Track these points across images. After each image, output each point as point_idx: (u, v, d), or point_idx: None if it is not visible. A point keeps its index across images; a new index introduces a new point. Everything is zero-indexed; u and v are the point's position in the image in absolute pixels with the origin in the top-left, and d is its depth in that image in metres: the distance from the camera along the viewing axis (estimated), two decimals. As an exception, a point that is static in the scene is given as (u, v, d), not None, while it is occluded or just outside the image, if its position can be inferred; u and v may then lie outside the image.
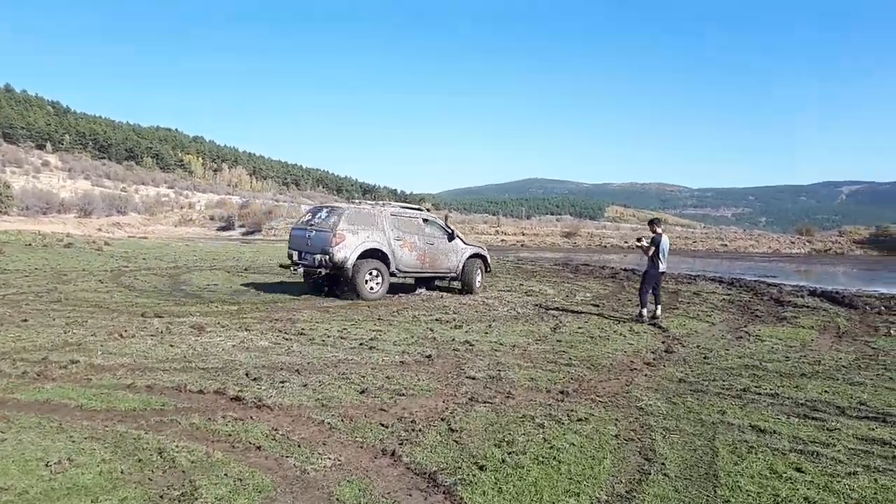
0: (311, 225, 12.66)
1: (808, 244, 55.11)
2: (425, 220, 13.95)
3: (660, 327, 10.40)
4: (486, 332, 9.16)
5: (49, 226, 46.73)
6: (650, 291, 11.23)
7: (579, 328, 9.91)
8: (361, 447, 4.39)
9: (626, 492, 3.79)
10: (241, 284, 14.48)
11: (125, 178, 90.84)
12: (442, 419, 5.04)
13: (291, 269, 12.80)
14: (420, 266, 13.54)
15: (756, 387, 6.49)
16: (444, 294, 13.95)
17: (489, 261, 15.41)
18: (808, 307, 13.63)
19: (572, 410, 5.40)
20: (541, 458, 4.25)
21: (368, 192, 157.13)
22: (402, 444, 4.45)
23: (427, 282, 14.74)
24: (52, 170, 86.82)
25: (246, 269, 18.50)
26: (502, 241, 52.98)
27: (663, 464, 4.23)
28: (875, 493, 3.87)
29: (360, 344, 7.91)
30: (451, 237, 14.17)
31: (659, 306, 11.21)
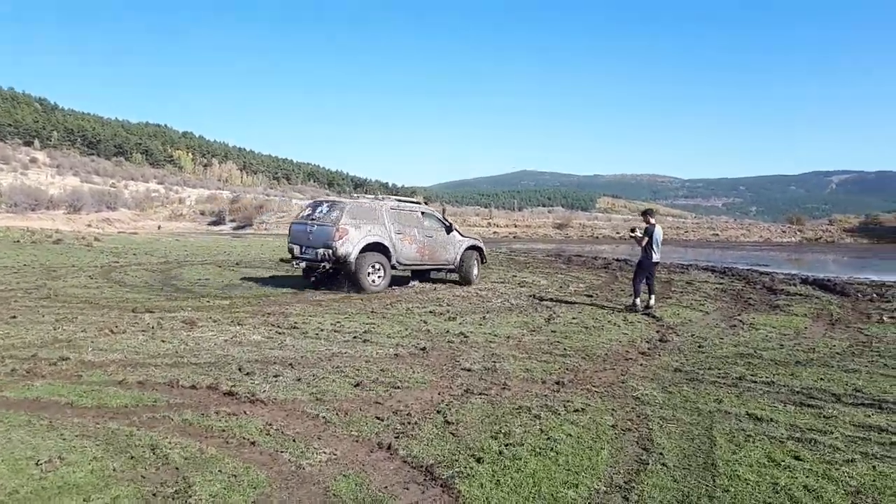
0: (313, 219, 12.64)
1: (798, 233, 55.37)
2: (423, 214, 14.05)
3: (654, 317, 10.39)
4: (481, 324, 9.13)
5: (38, 222, 46.32)
6: (644, 281, 11.22)
7: (573, 318, 9.89)
8: (357, 441, 4.34)
9: (625, 482, 3.76)
10: (233, 279, 14.39)
11: (114, 173, 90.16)
12: (438, 411, 5.00)
13: (294, 263, 12.78)
14: (420, 259, 13.62)
15: (751, 375, 6.48)
16: (438, 286, 13.91)
17: (485, 252, 15.52)
18: (800, 295, 13.67)
19: (568, 401, 5.37)
20: (538, 450, 4.22)
21: (360, 185, 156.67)
22: (398, 437, 4.41)
23: (421, 274, 14.75)
24: (40, 166, 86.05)
25: (237, 264, 18.40)
26: (495, 233, 52.94)
27: (661, 453, 4.20)
28: (874, 481, 3.86)
29: (354, 337, 7.85)
30: (448, 230, 14.29)
31: (652, 296, 11.20)
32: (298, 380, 5.79)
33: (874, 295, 13.63)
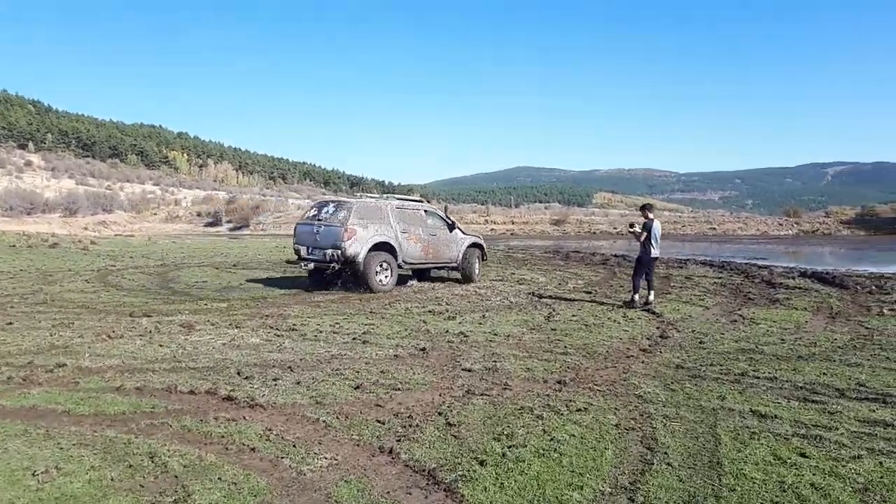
0: (319, 220, 12.62)
1: (795, 226, 55.39)
2: (427, 212, 14.16)
3: (653, 313, 10.36)
4: (480, 323, 9.08)
5: (33, 226, 46.19)
6: (643, 277, 11.19)
7: (573, 316, 9.85)
8: (358, 445, 4.30)
9: (630, 483, 3.72)
10: (231, 281, 14.32)
11: (110, 176, 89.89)
12: (439, 413, 4.95)
13: (302, 264, 12.75)
14: (424, 257, 13.67)
15: (754, 371, 6.45)
16: (436, 285, 13.87)
17: (485, 249, 15.59)
18: (799, 288, 13.64)
19: (571, 400, 5.33)
20: (541, 451, 4.17)
21: (356, 184, 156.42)
22: (399, 440, 4.36)
23: (420, 273, 14.73)
24: (35, 169, 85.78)
25: (235, 265, 18.33)
26: (492, 229, 52.87)
27: (666, 453, 4.16)
28: (881, 477, 3.82)
29: (353, 338, 7.80)
30: (451, 228, 14.36)
31: (652, 292, 11.16)
32: (298, 383, 5.74)
33: (873, 287, 13.60)
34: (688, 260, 21.79)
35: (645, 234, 11.09)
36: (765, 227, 55.59)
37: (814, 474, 3.85)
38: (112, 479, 3.69)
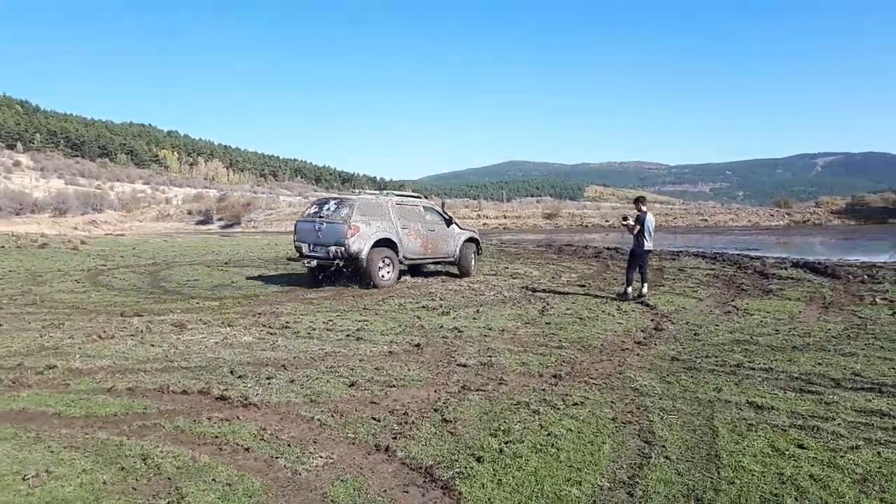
0: (321, 217, 12.63)
1: (786, 216, 55.62)
2: (425, 208, 14.28)
3: (647, 305, 10.35)
4: (475, 318, 9.04)
5: (23, 226, 45.86)
6: (637, 270, 11.18)
7: (567, 309, 9.83)
8: (354, 443, 4.25)
9: (629, 477, 3.69)
10: (223, 279, 14.24)
11: (99, 175, 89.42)
12: (435, 410, 4.91)
13: (305, 262, 12.73)
14: (423, 252, 13.79)
15: (749, 362, 6.44)
16: (430, 280, 13.82)
17: (481, 243, 15.79)
18: (792, 279, 13.67)
19: (567, 395, 5.30)
20: (539, 447, 4.14)
21: (347, 180, 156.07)
22: (395, 438, 4.32)
23: (414, 268, 14.74)
24: (23, 170, 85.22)
25: (226, 263, 18.22)
26: (484, 224, 52.83)
27: (663, 446, 4.14)
28: (880, 467, 3.81)
29: (347, 335, 7.75)
30: (448, 223, 14.50)
31: (645, 284, 11.15)
32: (292, 381, 5.68)
33: (865, 277, 13.65)
34: (680, 252, 21.82)
35: (638, 226, 11.07)
36: (756, 218, 55.80)
37: (812, 465, 3.84)
38: (104, 483, 3.64)
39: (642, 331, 8.20)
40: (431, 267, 15.33)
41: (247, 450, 4.12)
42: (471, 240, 14.99)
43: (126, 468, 3.83)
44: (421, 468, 3.84)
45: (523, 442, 4.22)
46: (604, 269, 16.31)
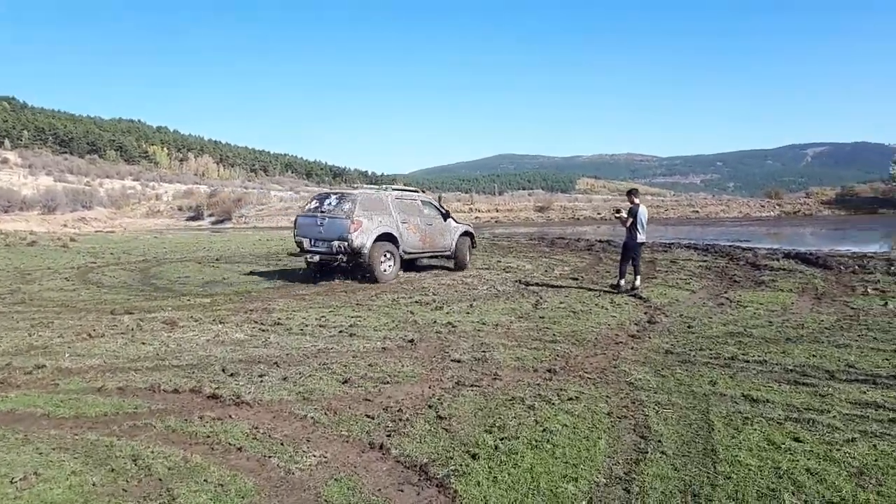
0: (322, 212, 12.65)
1: (777, 207, 55.79)
2: (423, 202, 14.39)
3: (640, 297, 10.34)
4: (468, 312, 9.00)
5: (11, 224, 45.44)
6: (630, 262, 11.16)
7: (561, 303, 9.80)
8: (348, 441, 4.21)
9: (625, 473, 3.66)
10: (214, 275, 14.15)
11: (89, 171, 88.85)
12: (429, 406, 4.87)
13: (308, 257, 12.74)
14: (422, 246, 13.86)
15: (743, 354, 6.43)
16: (423, 274, 13.78)
17: (475, 237, 15.94)
18: (784, 270, 13.70)
19: (562, 389, 5.27)
20: (534, 443, 4.11)
21: (338, 175, 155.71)
22: (389, 435, 4.28)
23: (408, 263, 14.73)
24: (11, 167, 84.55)
25: (218, 260, 18.13)
26: (476, 217, 52.77)
27: (660, 441, 4.12)
28: (876, 460, 3.79)
29: (340, 331, 7.70)
30: (445, 217, 14.62)
31: (638, 277, 11.13)
32: (284, 379, 5.63)
33: (856, 267, 13.68)
34: (672, 244, 21.83)
35: (631, 219, 11.06)
36: (747, 209, 55.96)
37: (808, 459, 3.82)
38: (94, 485, 3.58)
39: (636, 324, 8.18)
40: (425, 261, 15.33)
41: (239, 449, 4.08)
42: (466, 234, 15.08)
43: (116, 469, 3.77)
44: (416, 466, 3.80)
45: (518, 438, 4.19)
46: (596, 262, 16.30)
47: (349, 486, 3.56)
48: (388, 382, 5.53)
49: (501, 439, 4.17)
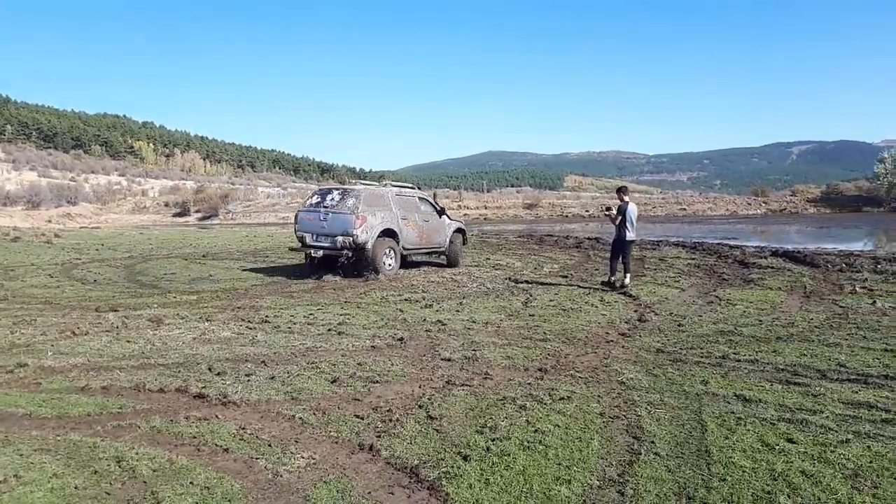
0: (325, 208, 12.68)
1: (763, 205, 56.16)
2: (420, 199, 14.58)
3: (630, 295, 10.32)
4: (458, 310, 8.94)
5: (-5, 219, 44.91)
6: (620, 259, 11.15)
7: (551, 301, 9.76)
8: (337, 442, 4.14)
9: (619, 475, 3.61)
10: (200, 272, 14.01)
11: (73, 167, 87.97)
12: (419, 406, 4.81)
13: (312, 252, 12.71)
14: (419, 243, 14.01)
15: (734, 353, 6.41)
16: (412, 271, 13.70)
17: (467, 234, 16.20)
18: (772, 268, 13.74)
19: (553, 389, 5.22)
20: (526, 444, 4.05)
21: (327, 171, 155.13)
22: (379, 436, 4.21)
23: (403, 258, 14.77)
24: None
25: (204, 256, 17.96)
26: (465, 214, 52.71)
27: (653, 442, 4.07)
28: (870, 462, 3.76)
29: (329, 329, 7.61)
30: (440, 214, 14.77)
31: (628, 274, 11.12)
32: (272, 378, 5.55)
33: (843, 265, 13.75)
34: (660, 241, 21.88)
35: (620, 217, 11.04)
36: (734, 206, 56.28)
37: (803, 461, 3.79)
38: (76, 488, 3.49)
39: (626, 322, 8.15)
40: (415, 258, 15.30)
41: (226, 450, 3.99)
42: (458, 230, 15.23)
43: (99, 472, 3.68)
44: (406, 468, 3.73)
45: (510, 439, 4.13)
46: (585, 260, 16.29)
47: (338, 488, 3.49)
48: (377, 382, 5.46)
49: (493, 440, 4.11)
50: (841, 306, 9.10)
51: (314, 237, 12.61)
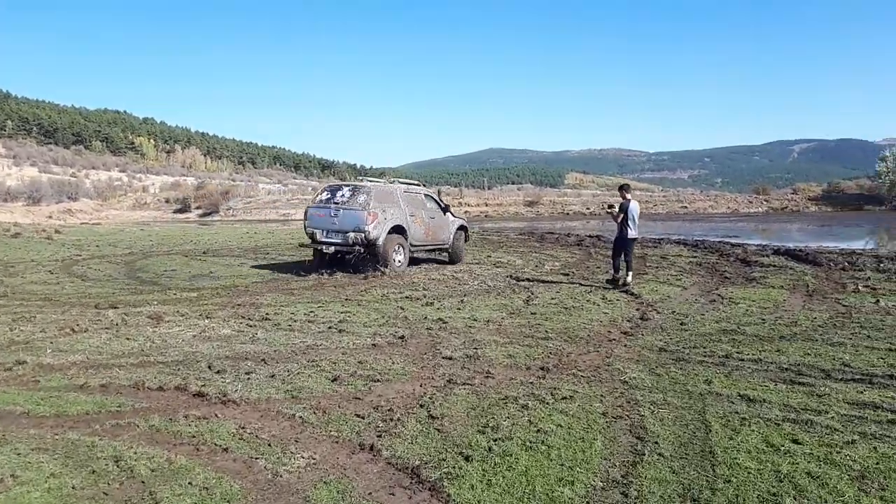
0: (336, 204, 12.75)
1: (765, 203, 56.11)
2: (426, 196, 14.71)
3: (632, 294, 10.27)
4: (459, 308, 8.90)
5: (-5, 215, 44.88)
6: (622, 257, 11.11)
7: (552, 299, 9.72)
8: (337, 442, 4.09)
9: (622, 476, 3.57)
10: (201, 269, 13.97)
11: (74, 163, 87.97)
12: (421, 405, 4.77)
13: (323, 248, 12.80)
14: (426, 239, 14.09)
15: (738, 352, 6.36)
16: (413, 269, 13.65)
17: (469, 231, 16.41)
18: (774, 266, 13.69)
19: (555, 388, 5.18)
20: (528, 444, 4.01)
21: (327, 168, 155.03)
22: (380, 436, 4.17)
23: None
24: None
25: (205, 253, 17.92)
26: (466, 212, 52.60)
27: (656, 442, 4.03)
28: (877, 463, 3.72)
29: (329, 327, 7.57)
30: (444, 211, 14.89)
31: (630, 273, 11.07)
32: (272, 376, 5.51)
33: (846, 264, 13.71)
34: (662, 239, 21.82)
35: (622, 214, 10.99)
36: (735, 204, 56.23)
37: (808, 462, 3.74)
38: (73, 487, 3.45)
39: (628, 320, 8.11)
40: (417, 254, 15.25)
41: (225, 450, 3.95)
42: (461, 228, 15.33)
43: (97, 471, 3.64)
44: (407, 468, 3.69)
45: (512, 439, 4.09)
46: (586, 258, 16.25)
47: (339, 489, 3.45)
48: (378, 380, 5.41)
49: (495, 440, 4.07)
50: (844, 305, 9.06)
51: (325, 233, 12.69)
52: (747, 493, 3.37)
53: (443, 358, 6.16)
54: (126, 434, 4.21)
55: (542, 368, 5.79)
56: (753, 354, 6.26)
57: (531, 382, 5.37)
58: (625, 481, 3.51)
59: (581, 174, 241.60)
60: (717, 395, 4.99)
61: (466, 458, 3.80)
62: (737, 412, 4.59)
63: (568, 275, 12.76)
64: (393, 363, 5.96)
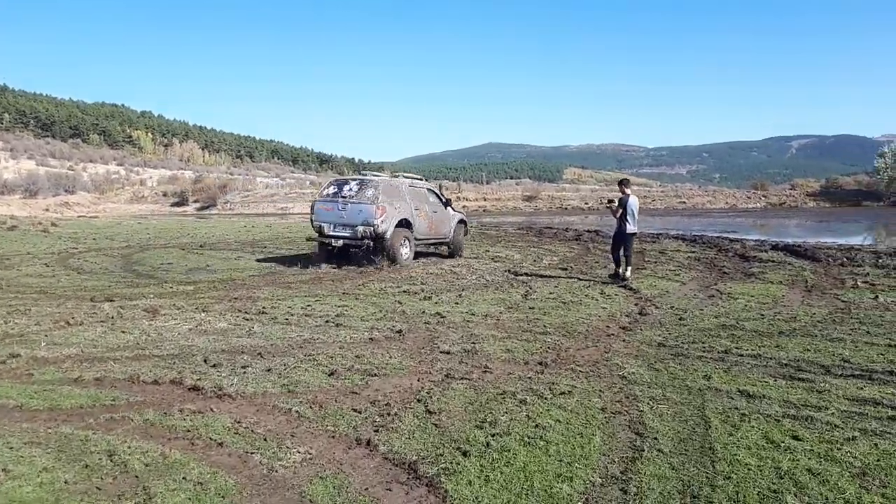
0: (343, 198, 12.81)
1: (763, 198, 56.13)
2: (428, 190, 14.86)
3: (630, 288, 10.24)
4: (457, 303, 8.86)
5: (-8, 208, 44.72)
6: (622, 252, 11.07)
7: (550, 293, 9.68)
8: (333, 437, 4.06)
9: (621, 472, 3.54)
10: (198, 262, 13.91)
11: (72, 156, 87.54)
12: (418, 400, 4.73)
13: (332, 241, 12.81)
14: (429, 233, 14.20)
15: (737, 348, 6.33)
16: (412, 263, 13.60)
17: (468, 225, 16.64)
18: (773, 262, 13.67)
19: (554, 383, 5.14)
20: (527, 439, 3.97)
21: (325, 162, 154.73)
22: (377, 431, 4.13)
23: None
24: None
25: (202, 246, 17.86)
26: (464, 206, 52.51)
27: (656, 438, 3.99)
28: (878, 460, 3.69)
29: (326, 321, 7.53)
30: (446, 205, 15.04)
31: (629, 268, 11.04)
32: (268, 370, 5.46)
33: (844, 259, 13.68)
34: (660, 234, 21.81)
35: (621, 209, 10.95)
36: (733, 200, 56.22)
37: (809, 458, 3.71)
38: (66, 482, 3.41)
39: (627, 315, 8.07)
40: (417, 248, 15.24)
41: (220, 444, 3.91)
42: (461, 221, 15.47)
43: (90, 466, 3.60)
44: (404, 463, 3.65)
45: (510, 434, 4.05)
46: (585, 252, 16.21)
47: (335, 484, 3.41)
48: (375, 375, 5.38)
49: (493, 435, 4.03)
50: (843, 301, 9.03)
51: (332, 227, 12.75)
52: (747, 489, 3.34)
53: (440, 352, 6.12)
54: (120, 428, 4.17)
55: (540, 363, 5.75)
56: (753, 350, 6.23)
57: (529, 377, 5.33)
58: (624, 477, 3.48)
59: (580, 169, 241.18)
60: (716, 391, 4.95)
61: (464, 454, 3.77)
62: (736, 408, 4.56)
63: (566, 269, 12.72)
64: (390, 357, 5.92)
